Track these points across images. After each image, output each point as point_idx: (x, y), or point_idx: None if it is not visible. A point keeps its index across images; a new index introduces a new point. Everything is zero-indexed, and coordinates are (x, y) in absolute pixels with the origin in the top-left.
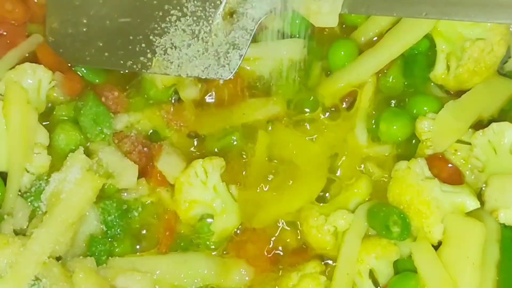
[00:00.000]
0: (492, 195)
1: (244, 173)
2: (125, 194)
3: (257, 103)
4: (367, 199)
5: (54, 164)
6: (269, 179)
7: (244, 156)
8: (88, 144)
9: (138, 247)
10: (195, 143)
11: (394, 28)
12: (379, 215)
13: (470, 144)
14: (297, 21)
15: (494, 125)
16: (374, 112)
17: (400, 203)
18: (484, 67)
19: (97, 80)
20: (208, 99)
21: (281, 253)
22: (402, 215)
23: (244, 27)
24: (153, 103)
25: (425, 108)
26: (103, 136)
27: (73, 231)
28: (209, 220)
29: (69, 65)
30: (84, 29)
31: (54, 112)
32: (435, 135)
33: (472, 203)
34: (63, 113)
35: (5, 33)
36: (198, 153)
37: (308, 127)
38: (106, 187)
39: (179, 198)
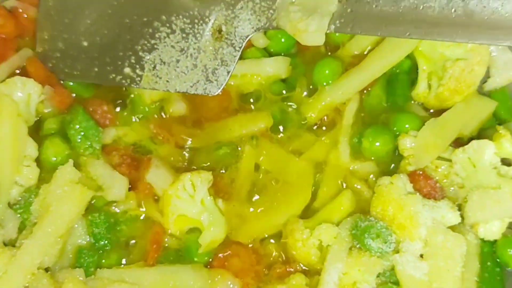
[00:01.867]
0: (472, 210)
1: (231, 187)
2: (114, 207)
3: (244, 118)
4: (350, 213)
5: (43, 176)
6: (255, 193)
7: (230, 170)
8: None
9: (125, 259)
10: (186, 156)
11: (378, 47)
12: (361, 229)
13: (450, 160)
14: (282, 40)
15: (474, 142)
16: (357, 129)
17: (383, 217)
18: (465, 86)
19: (86, 94)
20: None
21: (266, 267)
22: (384, 229)
23: (232, 44)
24: (141, 116)
25: (406, 126)
26: (92, 150)
27: (61, 242)
28: (196, 232)
29: (59, 79)
30: (74, 45)
31: (43, 125)
32: (416, 152)
33: (453, 218)
34: (52, 127)
35: None
36: (185, 165)
37: (292, 143)
38: (95, 199)
39: (167, 211)
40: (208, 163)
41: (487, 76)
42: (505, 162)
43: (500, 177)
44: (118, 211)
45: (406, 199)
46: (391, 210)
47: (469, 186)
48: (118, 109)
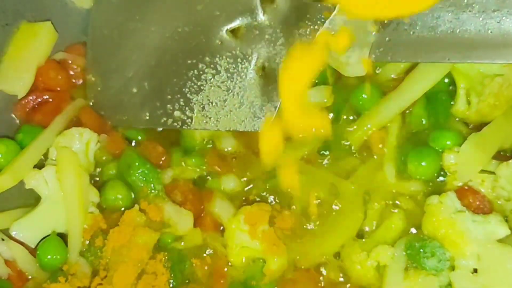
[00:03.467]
0: None
1: (287, 216)
2: (183, 243)
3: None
4: (402, 232)
5: (108, 220)
6: (310, 219)
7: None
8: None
9: None
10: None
11: (415, 69)
12: (416, 248)
13: (494, 173)
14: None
15: None
16: (401, 150)
17: (435, 235)
18: (504, 100)
19: (139, 137)
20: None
21: None
22: (437, 248)
23: (276, 80)
24: (194, 154)
25: (448, 142)
26: (156, 192)
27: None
28: (260, 263)
29: (112, 126)
30: (124, 91)
31: (102, 172)
32: (459, 167)
33: (503, 231)
34: (111, 172)
35: (51, 100)
36: (243, 198)
37: (338, 167)
38: (163, 236)
39: (231, 244)
40: (263, 194)
41: None
42: None
43: None
44: (183, 247)
45: (456, 217)
46: (442, 229)
47: None
48: (170, 148)
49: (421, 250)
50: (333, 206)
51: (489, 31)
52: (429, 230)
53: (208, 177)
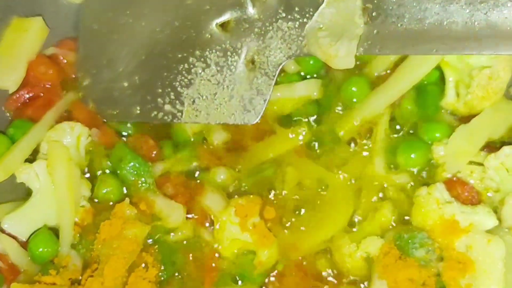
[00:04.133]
0: (509, 213)
1: (277, 208)
2: (172, 234)
3: (282, 136)
4: (391, 223)
5: (99, 213)
6: (300, 212)
7: (276, 191)
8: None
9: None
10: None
11: (405, 62)
12: (404, 239)
13: (483, 165)
14: (311, 62)
15: (505, 148)
16: (390, 142)
17: (424, 226)
18: (492, 92)
19: (130, 131)
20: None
21: (318, 282)
22: (426, 239)
23: (266, 73)
24: (185, 147)
25: (437, 135)
26: (147, 185)
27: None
28: (251, 255)
29: (102, 120)
30: (114, 86)
31: (93, 166)
32: (448, 158)
33: (491, 222)
34: (102, 166)
35: (41, 94)
36: (233, 190)
37: (328, 159)
38: (154, 229)
39: (222, 236)
40: (254, 186)
41: None
42: None
43: None
44: (174, 239)
45: (444, 208)
46: (430, 220)
47: (504, 190)
48: (161, 142)
49: (410, 241)
50: (323, 199)
51: (476, 23)
52: (418, 221)
53: (199, 170)
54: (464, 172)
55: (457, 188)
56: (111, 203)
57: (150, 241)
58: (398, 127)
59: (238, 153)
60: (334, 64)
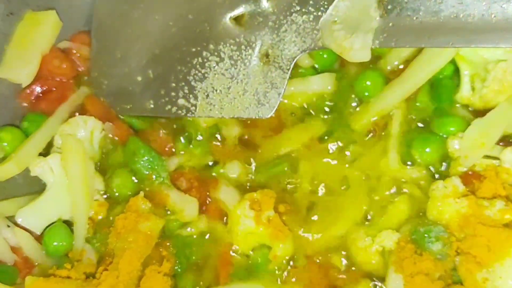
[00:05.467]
0: None
1: (292, 203)
2: (188, 229)
3: (297, 130)
4: (407, 217)
5: (113, 207)
6: (314, 206)
7: (289, 186)
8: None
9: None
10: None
11: (419, 56)
12: (420, 233)
13: (499, 159)
14: (325, 56)
15: None
16: (405, 136)
17: (440, 220)
18: (508, 86)
19: (143, 126)
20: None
21: (334, 277)
22: (442, 232)
23: (280, 67)
24: (199, 141)
25: (452, 129)
26: (162, 179)
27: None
28: (265, 249)
29: (116, 114)
30: (128, 80)
31: (108, 160)
32: (463, 152)
33: (508, 215)
34: (117, 160)
35: (54, 89)
36: (248, 185)
37: (343, 154)
38: (169, 223)
39: (236, 230)
40: (268, 181)
41: None
42: None
43: None
44: (189, 233)
45: (460, 202)
46: (447, 214)
47: None
48: (175, 136)
49: (426, 235)
50: (337, 193)
51: (492, 16)
52: (434, 215)
53: (213, 165)
54: (479, 166)
55: (473, 182)
56: (125, 197)
57: (166, 234)
58: (412, 121)
59: (251, 148)
60: (350, 57)
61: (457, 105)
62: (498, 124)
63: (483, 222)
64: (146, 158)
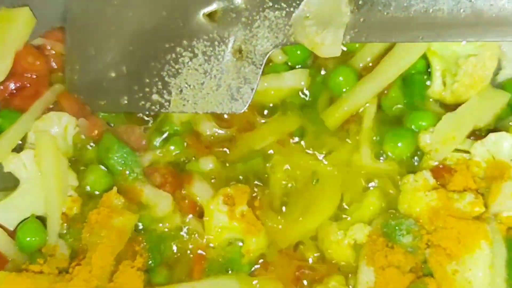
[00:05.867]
0: (495, 200)
1: (265, 197)
2: (161, 224)
3: (271, 125)
4: (379, 211)
5: (86, 203)
6: (287, 201)
7: (263, 180)
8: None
9: (171, 276)
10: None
11: (391, 52)
12: (392, 226)
13: (469, 152)
14: (298, 52)
15: (492, 135)
16: (377, 131)
17: (411, 213)
18: (478, 80)
19: (117, 122)
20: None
21: (306, 270)
22: (413, 225)
23: (253, 62)
24: (173, 137)
25: (423, 123)
26: (135, 175)
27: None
28: (239, 243)
29: (91, 110)
30: (102, 76)
31: (82, 156)
32: (434, 146)
33: (477, 208)
34: (90, 156)
35: (28, 85)
36: (219, 180)
37: (316, 148)
38: (143, 218)
39: (210, 225)
40: (242, 176)
41: (498, 68)
42: None
43: None
44: (162, 229)
45: (430, 195)
46: (417, 207)
47: (490, 177)
48: (149, 132)
49: (397, 228)
50: (311, 188)
51: (461, 10)
52: (405, 208)
53: (187, 160)
54: (450, 159)
55: (444, 176)
56: (98, 192)
57: (139, 229)
58: (385, 116)
59: (226, 143)
60: (321, 52)
61: (429, 99)
62: (468, 118)
63: (453, 215)
64: (119, 154)
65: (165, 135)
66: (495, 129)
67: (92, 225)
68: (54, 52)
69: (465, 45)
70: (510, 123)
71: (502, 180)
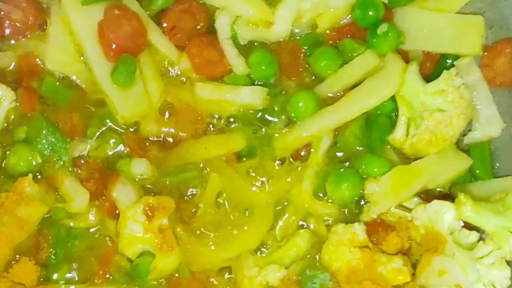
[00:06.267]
0: (422, 272)
1: (192, 215)
2: (72, 223)
3: (215, 139)
4: (304, 255)
5: (4, 183)
6: (215, 223)
7: (193, 196)
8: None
9: (71, 275)
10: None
11: (358, 87)
12: (306, 276)
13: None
14: (263, 67)
15: (436, 202)
16: (327, 168)
17: (330, 266)
18: (441, 138)
19: (59, 102)
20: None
21: None
22: (327, 281)
23: None
24: (112, 132)
25: (375, 169)
26: (62, 163)
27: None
28: (149, 257)
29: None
30: None
31: (12, 133)
32: (375, 197)
33: (401, 276)
34: (21, 135)
35: None
36: (151, 187)
37: (257, 173)
38: (53, 212)
39: (123, 231)
40: (172, 185)
41: (468, 129)
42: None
43: (455, 244)
44: (74, 226)
45: (354, 253)
46: (338, 262)
47: (425, 245)
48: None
49: (310, 280)
50: (240, 215)
51: None
52: (325, 260)
53: (121, 158)
54: (393, 215)
55: (379, 232)
56: (19, 174)
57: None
58: (338, 154)
59: (166, 151)
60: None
61: (389, 147)
62: (419, 176)
63: (372, 280)
64: (49, 138)
65: (104, 128)
66: (447, 195)
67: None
68: (10, 19)
69: (436, 97)
70: (461, 198)
71: (435, 253)
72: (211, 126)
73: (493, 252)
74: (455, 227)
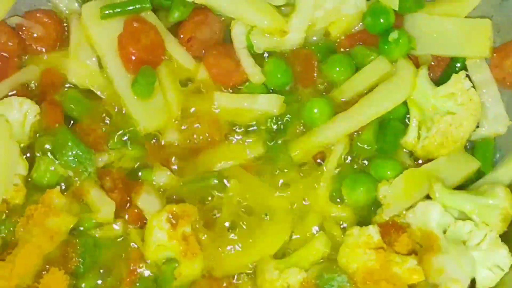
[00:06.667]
0: (429, 272)
1: (214, 221)
2: (98, 229)
3: (235, 147)
4: (324, 257)
5: (32, 195)
6: (236, 228)
7: (215, 203)
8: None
9: (99, 283)
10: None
11: (371, 93)
12: (324, 279)
13: None
14: (279, 75)
15: (420, 204)
16: (342, 173)
17: (347, 269)
18: (451, 140)
19: (81, 115)
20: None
21: None
22: (345, 282)
23: None
24: (135, 143)
25: (388, 172)
26: (88, 174)
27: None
28: (174, 264)
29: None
30: None
31: (36, 145)
32: (388, 200)
33: (416, 276)
34: (46, 147)
35: None
36: (174, 196)
37: (277, 179)
38: (81, 222)
39: (149, 240)
40: (194, 194)
41: (476, 126)
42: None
43: (447, 240)
44: (101, 235)
45: (369, 254)
46: (355, 263)
47: (425, 247)
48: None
49: (328, 283)
50: (261, 220)
51: None
52: (342, 262)
53: (143, 169)
54: (404, 218)
55: (392, 234)
56: (45, 186)
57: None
58: (352, 158)
59: (187, 160)
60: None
61: (402, 150)
62: (430, 179)
63: (388, 280)
64: (74, 150)
65: (125, 138)
66: None
67: (28, 220)
68: (32, 34)
69: (446, 100)
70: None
71: (432, 253)
72: (229, 134)
73: (487, 235)
74: (446, 222)
